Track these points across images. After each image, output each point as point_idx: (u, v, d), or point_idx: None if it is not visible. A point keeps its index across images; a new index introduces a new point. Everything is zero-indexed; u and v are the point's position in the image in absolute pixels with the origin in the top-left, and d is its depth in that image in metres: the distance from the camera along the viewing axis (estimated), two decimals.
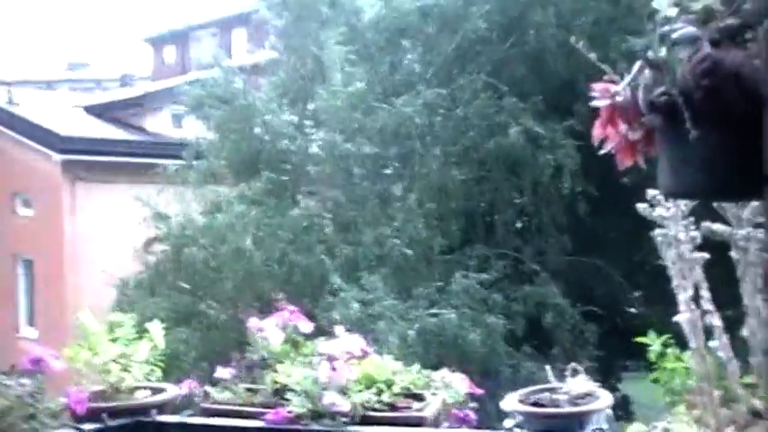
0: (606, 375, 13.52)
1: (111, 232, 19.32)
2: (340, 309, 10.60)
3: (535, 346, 13.54)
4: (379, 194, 13.88)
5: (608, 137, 1.69)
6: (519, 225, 15.55)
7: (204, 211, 13.83)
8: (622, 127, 1.64)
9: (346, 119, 13.49)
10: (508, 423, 2.61)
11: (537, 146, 13.55)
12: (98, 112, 24.62)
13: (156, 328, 3.56)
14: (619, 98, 1.61)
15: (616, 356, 14.96)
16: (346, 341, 3.36)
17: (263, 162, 14.00)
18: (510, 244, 14.39)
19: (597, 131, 1.70)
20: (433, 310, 11.89)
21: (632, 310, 16.40)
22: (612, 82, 1.67)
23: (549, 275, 13.83)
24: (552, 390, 2.71)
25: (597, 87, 1.67)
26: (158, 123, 23.38)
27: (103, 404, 3.17)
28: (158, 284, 13.93)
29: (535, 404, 2.65)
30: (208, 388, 3.29)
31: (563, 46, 14.28)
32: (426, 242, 12.98)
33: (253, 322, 3.45)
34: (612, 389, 12.43)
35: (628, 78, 1.59)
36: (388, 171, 14.44)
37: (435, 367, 3.24)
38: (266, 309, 12.08)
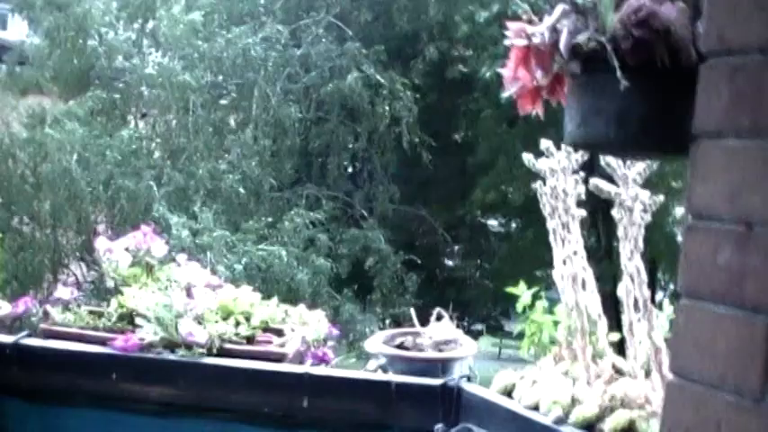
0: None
1: None
2: (168, 235, 10.30)
3: (355, 290, 13.80)
4: (213, 124, 13.58)
5: (518, 79, 1.67)
6: (351, 170, 15.75)
7: (26, 123, 13.01)
8: (534, 70, 1.62)
9: (186, 45, 13.06)
10: (372, 365, 2.62)
11: (376, 94, 13.68)
12: None
13: None
14: (535, 40, 1.58)
15: (433, 306, 15.47)
16: (197, 269, 3.26)
17: (95, 78, 13.33)
18: (341, 187, 14.54)
19: (508, 72, 1.68)
20: (262, 246, 11.83)
21: (451, 263, 17.02)
22: (530, 23, 1.64)
23: (375, 221, 14.08)
24: (416, 334, 2.73)
25: (512, 27, 1.64)
26: None
27: None
28: None
29: (399, 347, 2.66)
30: (48, 308, 3.08)
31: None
32: (259, 179, 12.87)
33: (101, 242, 3.26)
34: None
35: (548, 20, 1.56)
36: (224, 101, 14.13)
37: None
38: (87, 231, 11.62)
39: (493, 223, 17.28)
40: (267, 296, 3.21)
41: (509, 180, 14.05)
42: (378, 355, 2.65)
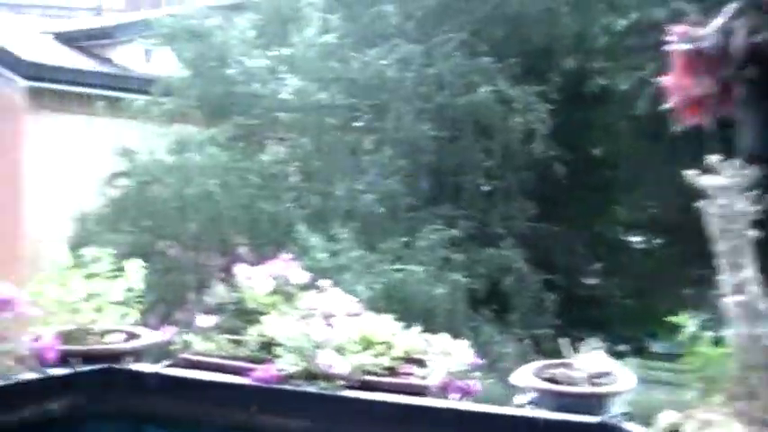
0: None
1: (73, 164, 18.86)
2: (307, 258, 10.41)
3: (494, 310, 13.54)
4: (349, 146, 13.69)
5: (681, 88, 1.47)
6: (487, 188, 15.53)
7: (170, 149, 13.49)
8: (700, 77, 1.43)
9: (321, 68, 13.24)
10: (520, 399, 2.45)
11: (509, 108, 13.46)
12: (67, 39, 23.90)
13: (133, 267, 3.34)
14: (703, 43, 1.39)
15: (573, 327, 15.05)
16: (337, 296, 3.18)
17: (235, 104, 13.69)
18: (476, 206, 14.34)
19: (671, 80, 1.49)
20: (398, 266, 11.80)
21: (590, 281, 16.52)
22: (694, 25, 1.44)
23: (512, 240, 13.81)
24: (567, 365, 2.55)
25: (677, 30, 1.45)
26: (128, 56, 22.77)
27: (73, 347, 2.94)
28: (119, 220, 13.62)
29: (550, 380, 2.49)
30: (189, 336, 3.08)
31: (545, 12, 14.21)
32: (396, 199, 12.86)
33: (241, 268, 3.24)
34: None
35: (718, 21, 1.36)
36: (359, 123, 14.23)
37: None
38: (229, 253, 11.88)
39: (634, 239, 16.72)
40: (403, 316, 3.10)
41: (654, 196, 13.54)
42: (527, 388, 2.49)
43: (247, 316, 3.19)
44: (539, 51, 14.38)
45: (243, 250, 13.25)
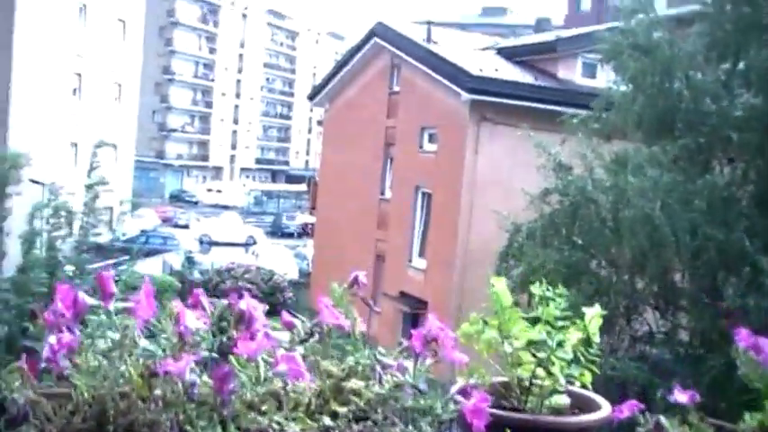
0: None
1: (508, 176, 19.24)
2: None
3: None
4: None
5: None
6: None
7: (608, 168, 13.01)
8: None
9: None
10: None
11: None
12: (509, 54, 24.61)
13: (592, 314, 2.81)
14: None
15: None
16: None
17: (679, 121, 12.81)
18: None
19: None
20: None
21: None
22: None
23: None
24: None
25: None
26: (570, 71, 22.75)
27: (510, 414, 2.30)
28: (551, 236, 13.46)
29: None
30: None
31: None
32: None
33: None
34: None
35: None
36: None
37: None
38: (665, 280, 10.93)
39: None
40: None
41: None
42: None
43: None
44: None
45: (679, 278, 12.40)
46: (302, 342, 1.77)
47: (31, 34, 33.45)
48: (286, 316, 1.84)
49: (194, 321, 1.75)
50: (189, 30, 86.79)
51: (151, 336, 1.85)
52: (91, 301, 1.81)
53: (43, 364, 1.71)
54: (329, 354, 1.79)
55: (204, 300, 1.90)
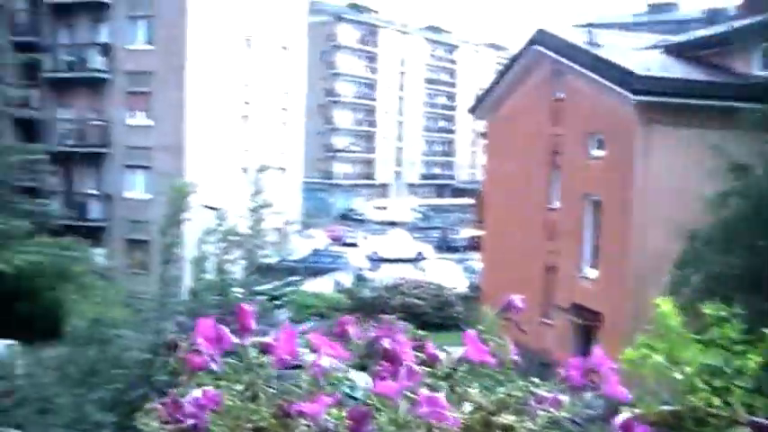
0: None
1: (680, 179, 18.36)
2: None
3: None
4: None
5: None
6: None
7: None
8: None
9: None
10: None
11: None
12: (678, 51, 23.55)
13: None
14: None
15: None
16: None
17: None
18: None
19: None
20: None
21: None
22: None
23: None
24: None
25: None
26: (746, 63, 21.41)
27: None
28: (731, 242, 12.67)
29: None
30: None
31: None
32: None
33: None
34: None
35: None
36: None
37: None
38: None
39: None
40: None
41: None
42: None
43: None
44: None
45: None
46: (446, 378, 1.59)
47: (202, 69, 35.04)
48: (430, 348, 1.67)
49: (330, 360, 1.62)
50: (350, 52, 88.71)
51: (297, 367, 1.75)
52: (234, 338, 1.71)
53: (189, 421, 1.61)
54: (478, 384, 1.62)
55: (352, 329, 1.77)
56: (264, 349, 1.68)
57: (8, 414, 13.13)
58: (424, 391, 1.53)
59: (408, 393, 1.53)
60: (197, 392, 1.59)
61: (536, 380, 1.61)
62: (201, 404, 1.57)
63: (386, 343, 1.65)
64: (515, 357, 1.67)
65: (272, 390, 1.61)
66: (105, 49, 36.04)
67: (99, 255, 32.07)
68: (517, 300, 1.71)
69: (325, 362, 1.65)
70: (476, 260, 38.96)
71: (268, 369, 1.62)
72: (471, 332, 1.59)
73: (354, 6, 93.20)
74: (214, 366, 1.65)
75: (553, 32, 25.40)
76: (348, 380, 1.66)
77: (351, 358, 1.67)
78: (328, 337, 1.70)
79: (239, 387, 1.61)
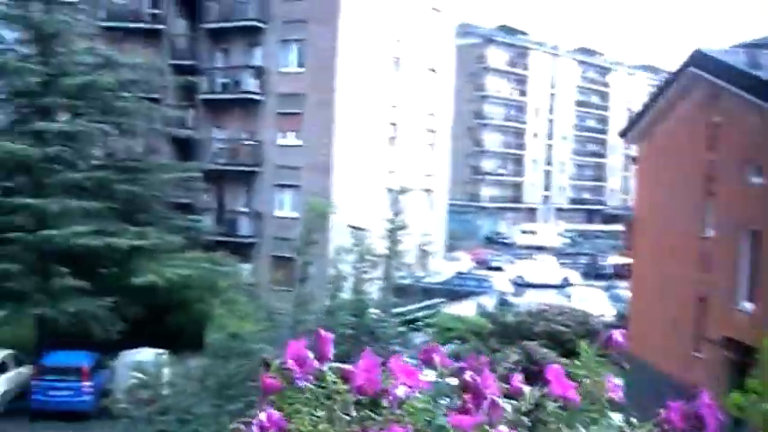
0: None
1: None
2: None
3: None
4: None
5: None
6: None
7: None
8: None
9: None
10: None
11: None
12: None
13: None
14: None
15: None
16: None
17: None
18: None
19: None
20: None
21: None
22: None
23: None
24: None
25: None
26: None
27: None
28: None
29: None
30: None
31: None
32: None
33: None
34: None
35: None
36: None
37: None
38: None
39: None
40: None
41: None
42: None
43: None
44: None
45: None
46: (527, 414, 1.43)
47: (351, 91, 35.67)
48: (516, 381, 1.51)
49: (405, 390, 1.52)
50: (499, 74, 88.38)
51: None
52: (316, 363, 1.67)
53: None
54: (567, 421, 1.46)
55: (437, 357, 1.67)
56: (344, 376, 1.62)
57: (151, 421, 13.60)
58: (503, 429, 1.38)
59: (486, 428, 1.40)
60: (262, 416, 1.58)
61: (633, 420, 1.43)
62: (264, 426, 1.55)
63: (467, 375, 1.52)
64: (615, 395, 1.49)
65: (347, 417, 1.55)
66: (258, 72, 37.31)
67: (245, 270, 33.04)
68: (617, 335, 1.53)
69: (400, 391, 1.56)
70: (624, 288, 37.81)
71: (345, 396, 1.57)
72: (556, 367, 1.42)
73: (505, 28, 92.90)
74: (296, 388, 1.63)
75: (710, 53, 24.38)
76: (428, 411, 1.57)
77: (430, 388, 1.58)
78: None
79: (321, 413, 1.58)
